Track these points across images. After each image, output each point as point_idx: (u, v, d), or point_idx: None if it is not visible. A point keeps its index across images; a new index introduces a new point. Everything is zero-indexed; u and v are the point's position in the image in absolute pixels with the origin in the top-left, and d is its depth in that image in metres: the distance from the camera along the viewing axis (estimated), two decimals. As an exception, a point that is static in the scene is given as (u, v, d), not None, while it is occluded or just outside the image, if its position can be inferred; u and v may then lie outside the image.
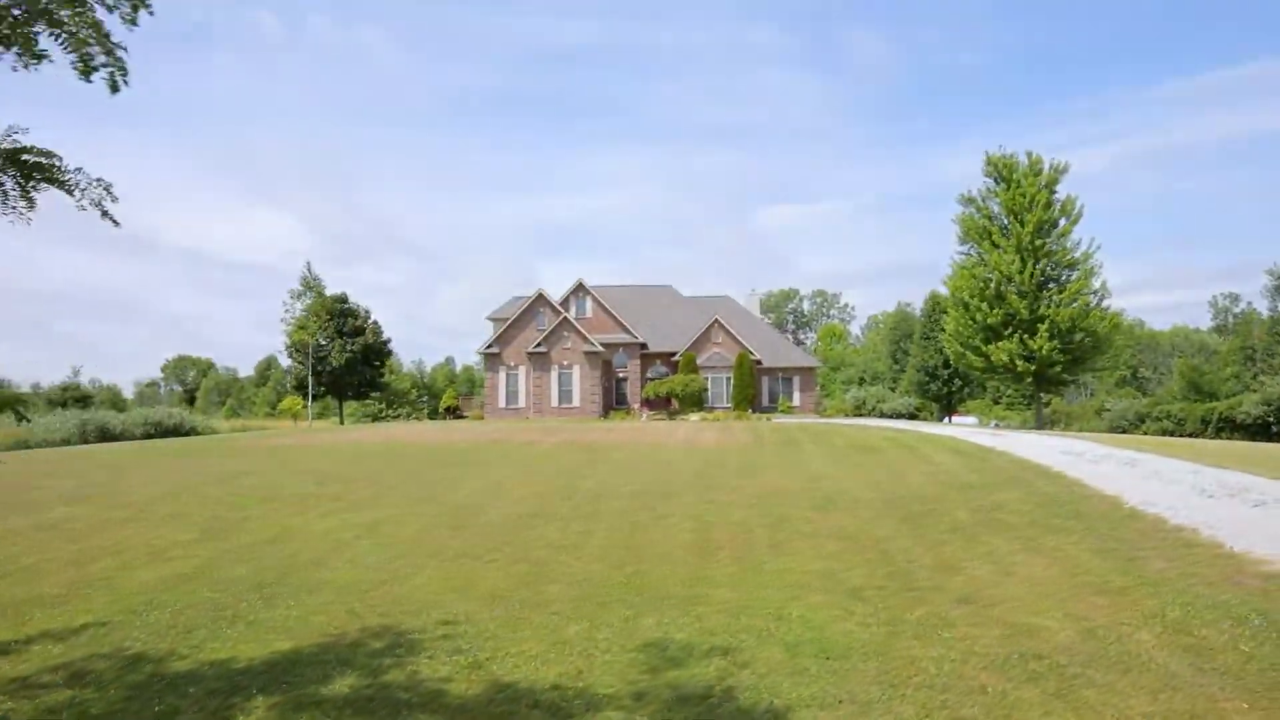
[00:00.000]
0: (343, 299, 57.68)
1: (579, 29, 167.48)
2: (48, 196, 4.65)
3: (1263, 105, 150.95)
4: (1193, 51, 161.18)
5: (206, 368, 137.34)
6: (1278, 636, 5.70)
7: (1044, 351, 35.64)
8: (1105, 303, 38.04)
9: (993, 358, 37.05)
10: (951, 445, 20.73)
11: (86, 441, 36.59)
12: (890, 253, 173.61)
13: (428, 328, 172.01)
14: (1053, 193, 37.75)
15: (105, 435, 38.75)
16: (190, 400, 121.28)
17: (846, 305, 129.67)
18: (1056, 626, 6.23)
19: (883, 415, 59.84)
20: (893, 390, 69.87)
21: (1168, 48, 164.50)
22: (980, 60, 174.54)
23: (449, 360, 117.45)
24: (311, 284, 56.93)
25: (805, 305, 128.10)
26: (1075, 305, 36.21)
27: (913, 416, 60.74)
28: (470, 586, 7.93)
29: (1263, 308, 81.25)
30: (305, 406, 57.45)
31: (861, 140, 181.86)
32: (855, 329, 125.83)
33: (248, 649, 6.10)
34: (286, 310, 57.95)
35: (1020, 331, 36.77)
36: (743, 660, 5.73)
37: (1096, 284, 37.35)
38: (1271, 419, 44.37)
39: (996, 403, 77.54)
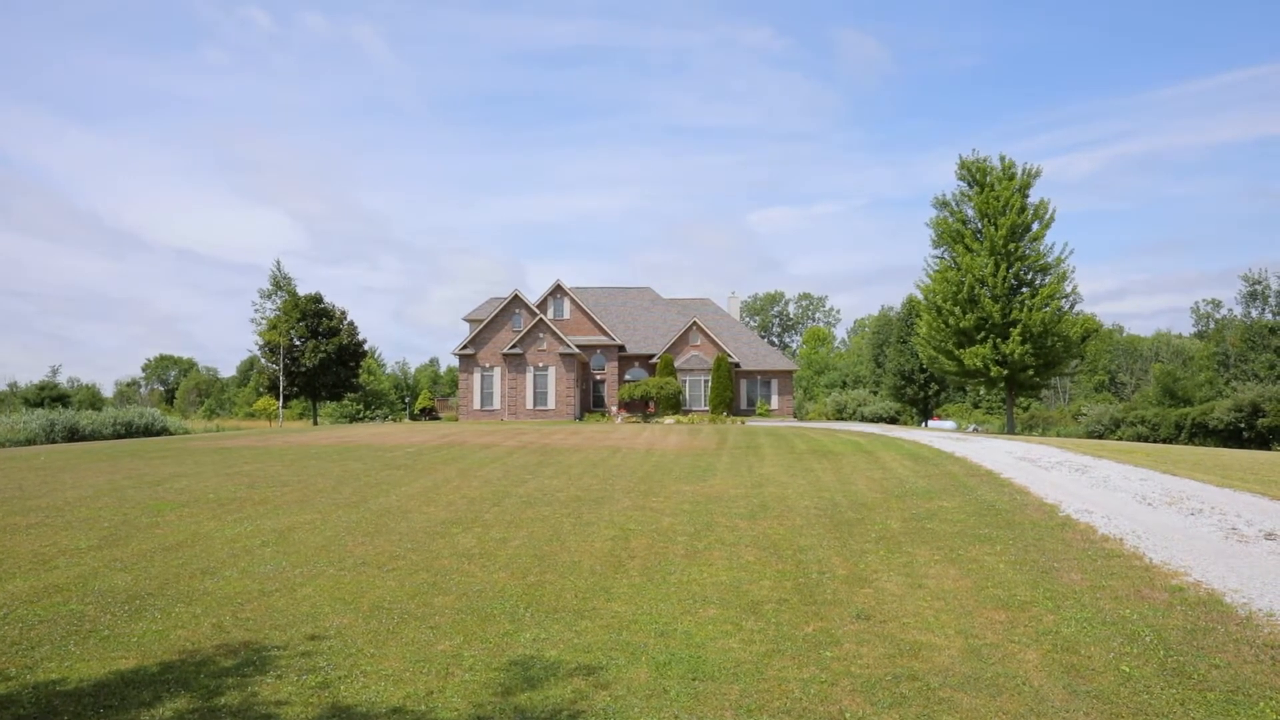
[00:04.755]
0: (317, 299, 57.06)
1: (573, 29, 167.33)
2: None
3: (1251, 112, 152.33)
4: (1183, 58, 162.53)
5: (188, 367, 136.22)
6: (1163, 655, 5.44)
7: (1016, 355, 35.53)
8: (1077, 307, 38.04)
9: (965, 361, 36.91)
10: (911, 450, 20.51)
11: (53, 441, 35.94)
12: (881, 256, 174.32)
13: (418, 328, 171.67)
14: (1026, 196, 37.68)
15: (74, 435, 38.05)
16: (170, 400, 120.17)
17: (832, 309, 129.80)
18: (944, 644, 5.94)
19: (863, 419, 59.78)
20: (874, 394, 69.79)
21: (1159, 54, 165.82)
22: (974, 64, 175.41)
23: (433, 361, 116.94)
24: (282, 283, 56.24)
25: (791, 308, 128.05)
26: (1048, 309, 36.08)
27: (893, 420, 60.67)
28: (357, 598, 7.58)
29: (1240, 313, 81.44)
30: (278, 407, 56.78)
31: (854, 143, 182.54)
32: (841, 332, 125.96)
33: (85, 668, 5.72)
34: (257, 310, 57.23)
35: (993, 335, 36.65)
36: (605, 681, 5.41)
37: (1069, 288, 37.28)
38: (1242, 424, 44.50)
39: (976, 407, 77.67)
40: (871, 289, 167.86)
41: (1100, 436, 51.98)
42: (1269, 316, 48.76)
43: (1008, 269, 36.80)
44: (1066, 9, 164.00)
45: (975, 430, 57.93)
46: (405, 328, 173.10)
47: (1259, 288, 49.67)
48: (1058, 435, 54.95)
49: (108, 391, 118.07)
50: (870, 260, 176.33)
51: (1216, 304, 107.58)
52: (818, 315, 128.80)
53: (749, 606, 7.13)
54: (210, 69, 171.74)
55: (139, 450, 23.57)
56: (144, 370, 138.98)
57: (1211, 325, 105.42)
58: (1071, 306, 37.70)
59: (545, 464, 17.97)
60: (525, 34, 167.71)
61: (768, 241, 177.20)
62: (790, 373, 54.88)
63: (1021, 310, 36.37)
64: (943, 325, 38.09)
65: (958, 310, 37.21)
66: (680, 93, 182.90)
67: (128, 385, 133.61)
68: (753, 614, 6.91)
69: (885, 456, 19.09)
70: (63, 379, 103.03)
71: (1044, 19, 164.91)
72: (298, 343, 56.20)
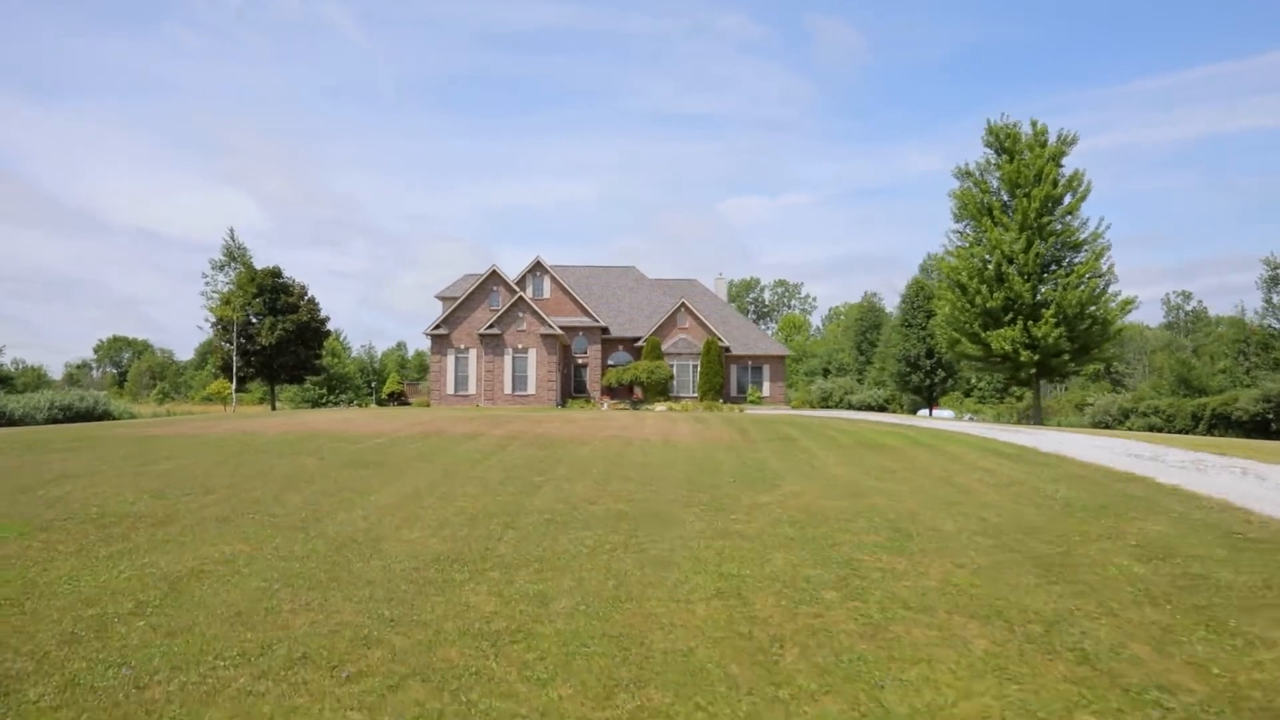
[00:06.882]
0: (275, 272, 52.13)
1: (547, 13, 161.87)
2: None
3: (1215, 108, 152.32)
4: (1150, 54, 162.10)
5: (142, 349, 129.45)
6: None
7: (1050, 339, 32.26)
8: (1112, 287, 34.81)
9: (993, 345, 33.57)
10: (980, 444, 16.99)
11: (-27, 427, 31.15)
12: (852, 245, 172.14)
13: (388, 314, 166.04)
14: (1059, 165, 34.35)
15: (0, 420, 33.30)
16: (122, 383, 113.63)
17: (808, 296, 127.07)
18: None
19: (850, 407, 56.67)
20: (859, 382, 66.91)
21: (1127, 49, 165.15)
22: (946, 55, 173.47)
23: (400, 345, 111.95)
24: (237, 254, 51.22)
25: (767, 295, 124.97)
26: (1083, 288, 32.80)
27: (881, 409, 57.68)
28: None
29: (1255, 299, 79.98)
30: (231, 390, 51.89)
31: (827, 132, 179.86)
32: (816, 320, 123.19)
33: None
34: (207, 283, 52.13)
35: (1022, 317, 33.36)
36: None
37: (1104, 266, 34.02)
38: (1271, 415, 42.00)
39: (968, 395, 75.09)
40: (844, 278, 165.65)
41: (1108, 427, 49.39)
42: (1290, 303, 46.64)
43: (1040, 244, 33.48)
44: (1038, 4, 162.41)
45: (970, 420, 55.13)
46: (374, 312, 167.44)
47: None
48: (1058, 426, 52.36)
49: (57, 374, 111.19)
50: (842, 249, 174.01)
51: (1187, 295, 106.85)
52: (794, 302, 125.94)
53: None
54: (176, 47, 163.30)
55: (41, 440, 19.15)
56: (96, 352, 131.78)
57: (1181, 317, 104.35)
58: (1106, 286, 34.46)
59: (551, 461, 14.08)
60: (500, 17, 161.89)
61: (742, 230, 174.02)
62: (782, 358, 51.49)
63: (1055, 290, 33.14)
64: (968, 305, 34.66)
65: (984, 289, 33.83)
66: (655, 79, 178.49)
67: (78, 368, 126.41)
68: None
69: (957, 452, 15.55)
70: (7, 360, 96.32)
71: (1015, 13, 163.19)
72: (254, 319, 51.32)
